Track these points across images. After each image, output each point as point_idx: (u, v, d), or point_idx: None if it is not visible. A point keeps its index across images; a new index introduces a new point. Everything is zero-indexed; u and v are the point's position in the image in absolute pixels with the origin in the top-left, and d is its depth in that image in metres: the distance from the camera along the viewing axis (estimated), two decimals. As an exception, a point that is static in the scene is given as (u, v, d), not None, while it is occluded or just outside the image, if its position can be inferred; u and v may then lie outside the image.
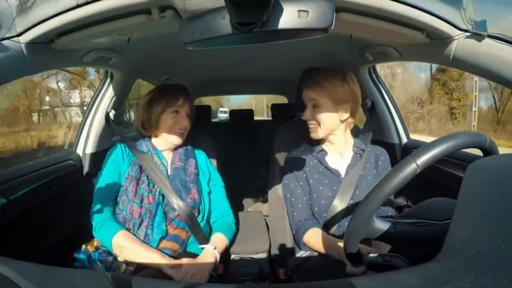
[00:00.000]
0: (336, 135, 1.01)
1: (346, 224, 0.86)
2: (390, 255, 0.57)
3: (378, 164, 1.03)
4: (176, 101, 1.00)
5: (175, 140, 1.01)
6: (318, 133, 0.98)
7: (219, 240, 0.99)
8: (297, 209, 1.00)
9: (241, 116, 2.99)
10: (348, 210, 0.94)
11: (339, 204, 0.94)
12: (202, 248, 0.95)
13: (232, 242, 1.11)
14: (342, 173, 1.00)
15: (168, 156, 1.05)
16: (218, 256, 0.93)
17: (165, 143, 1.04)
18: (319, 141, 1.06)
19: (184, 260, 0.85)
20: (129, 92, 1.45)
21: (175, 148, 1.07)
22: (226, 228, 1.04)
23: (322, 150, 1.03)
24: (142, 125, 1.04)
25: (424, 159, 0.50)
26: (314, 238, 0.92)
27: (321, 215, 0.97)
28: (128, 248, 0.85)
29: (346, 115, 0.97)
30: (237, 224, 1.12)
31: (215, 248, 0.94)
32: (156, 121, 1.01)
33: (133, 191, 0.93)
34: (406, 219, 0.58)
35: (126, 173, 0.96)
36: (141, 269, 0.83)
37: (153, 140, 1.05)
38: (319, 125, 0.97)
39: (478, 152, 0.59)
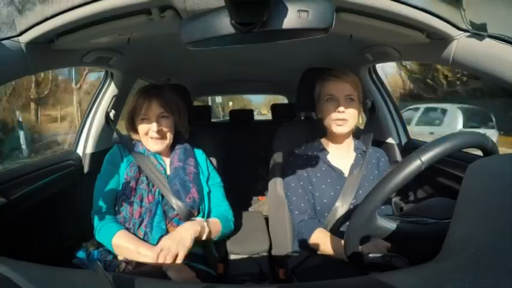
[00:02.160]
0: (348, 134, 1.02)
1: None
2: (390, 255, 0.57)
3: (380, 165, 1.03)
4: (141, 107, 0.95)
5: (153, 146, 0.97)
6: (346, 127, 0.97)
7: (212, 221, 0.98)
8: (299, 208, 0.99)
9: (241, 116, 2.99)
10: (351, 210, 0.94)
11: (342, 204, 0.94)
12: (200, 240, 0.95)
13: (232, 241, 1.11)
14: (345, 172, 1.00)
15: (165, 156, 1.05)
16: (206, 230, 0.91)
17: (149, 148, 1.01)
18: (321, 141, 1.06)
19: (160, 245, 0.83)
20: (129, 92, 1.45)
21: (173, 148, 1.06)
22: (223, 219, 1.03)
23: (324, 149, 1.03)
24: (128, 130, 1.04)
25: (429, 156, 0.50)
26: (322, 238, 0.92)
27: (323, 214, 0.97)
28: (127, 248, 0.85)
29: (359, 114, 0.99)
30: (236, 223, 1.12)
31: (207, 221, 0.93)
32: (135, 128, 1.00)
33: (132, 191, 0.93)
34: (408, 217, 0.58)
35: (124, 173, 0.96)
36: (140, 267, 0.83)
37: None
38: (350, 120, 0.96)
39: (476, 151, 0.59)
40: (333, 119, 0.96)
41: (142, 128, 0.97)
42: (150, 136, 0.96)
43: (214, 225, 0.97)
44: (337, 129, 0.97)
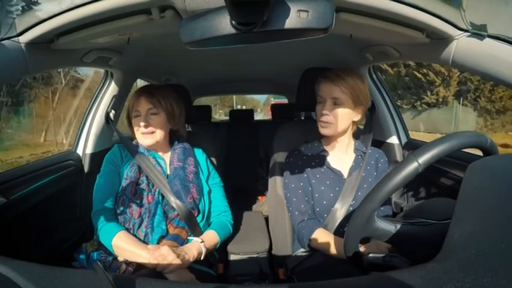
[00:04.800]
0: (343, 136, 1.01)
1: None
2: (390, 255, 0.57)
3: (378, 166, 1.03)
4: (133, 104, 0.99)
5: (144, 141, 0.98)
6: (330, 130, 0.96)
7: (209, 236, 0.98)
8: (299, 209, 0.99)
9: (241, 116, 2.99)
10: (350, 212, 0.94)
11: (341, 206, 0.94)
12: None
13: (228, 241, 1.11)
14: (345, 174, 1.00)
15: (165, 156, 1.05)
16: (204, 250, 0.92)
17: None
18: (321, 141, 1.06)
19: (165, 247, 0.84)
20: (129, 92, 1.45)
21: (172, 148, 1.06)
22: (220, 227, 1.03)
23: (324, 150, 1.03)
24: (129, 130, 1.07)
25: (426, 157, 0.50)
26: (322, 238, 0.92)
27: (322, 215, 0.97)
28: (128, 249, 0.85)
29: (359, 116, 0.98)
30: (235, 224, 1.12)
31: (202, 242, 0.93)
32: (132, 127, 1.03)
33: (132, 191, 0.93)
34: (407, 218, 0.58)
35: (125, 173, 0.96)
36: (140, 268, 0.83)
37: None
38: (334, 123, 0.94)
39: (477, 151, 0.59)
40: (319, 120, 0.97)
41: (135, 123, 1.00)
42: (141, 131, 0.98)
43: (211, 241, 0.97)
44: (321, 130, 0.97)
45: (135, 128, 0.99)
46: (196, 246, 0.91)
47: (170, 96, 1.03)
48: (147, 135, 0.98)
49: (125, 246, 0.85)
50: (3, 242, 0.82)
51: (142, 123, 0.96)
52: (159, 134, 0.99)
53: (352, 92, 0.93)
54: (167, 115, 1.02)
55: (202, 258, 0.92)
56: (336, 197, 0.96)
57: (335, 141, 1.02)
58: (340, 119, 0.94)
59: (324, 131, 0.97)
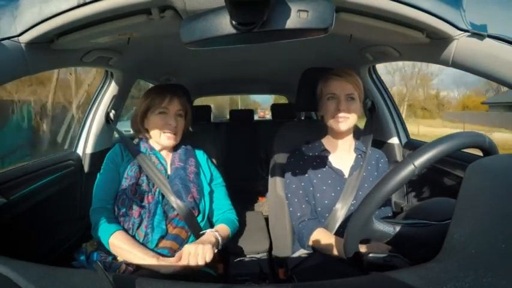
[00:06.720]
0: (347, 135, 1.02)
1: None
2: (390, 255, 0.57)
3: (379, 166, 1.03)
4: (162, 101, 0.97)
5: (166, 141, 0.99)
6: (347, 124, 0.98)
7: (221, 228, 0.99)
8: (300, 209, 0.99)
9: (242, 116, 2.99)
10: (351, 211, 0.94)
11: (342, 205, 0.95)
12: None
13: (232, 241, 1.11)
14: (346, 173, 1.00)
15: (167, 156, 1.05)
16: (220, 239, 0.92)
17: (158, 144, 1.03)
18: (322, 142, 1.06)
19: (185, 249, 0.81)
20: (129, 92, 1.45)
21: (175, 148, 1.07)
22: (228, 222, 1.04)
23: (325, 149, 1.03)
24: (136, 127, 1.04)
25: (421, 160, 0.50)
26: (322, 238, 0.92)
27: (324, 215, 0.98)
28: (124, 249, 0.85)
29: (359, 113, 1.00)
30: (238, 222, 1.12)
31: (216, 231, 0.93)
32: (147, 123, 1.01)
33: (132, 190, 0.93)
34: (406, 220, 0.58)
35: (125, 172, 0.96)
36: (140, 268, 0.83)
37: (150, 141, 1.05)
38: (350, 117, 0.97)
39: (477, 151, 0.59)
40: (334, 116, 0.98)
41: (158, 121, 0.98)
42: (167, 129, 0.98)
43: (224, 233, 0.98)
44: (337, 125, 0.98)
45: (158, 126, 0.98)
46: (213, 234, 0.91)
47: (189, 102, 1.08)
48: (171, 137, 0.99)
49: (122, 246, 0.85)
50: (3, 242, 0.82)
51: (172, 123, 0.97)
52: (179, 136, 1.01)
53: (360, 89, 0.99)
54: (186, 120, 1.05)
55: (219, 247, 0.91)
56: (337, 197, 0.96)
57: (338, 140, 1.03)
58: (354, 113, 0.98)
59: (340, 126, 0.98)
